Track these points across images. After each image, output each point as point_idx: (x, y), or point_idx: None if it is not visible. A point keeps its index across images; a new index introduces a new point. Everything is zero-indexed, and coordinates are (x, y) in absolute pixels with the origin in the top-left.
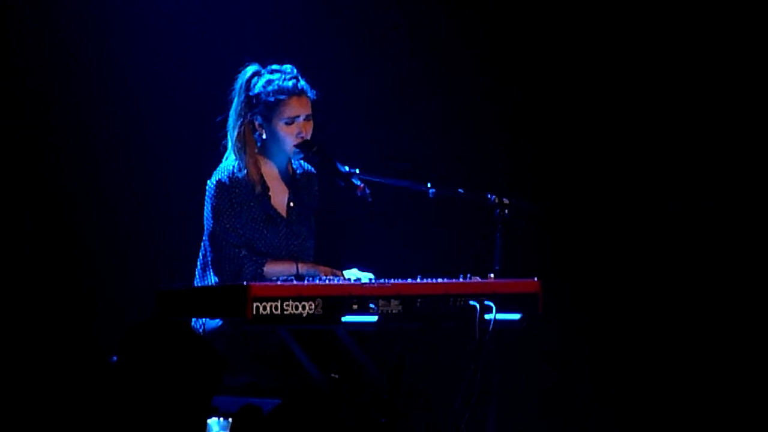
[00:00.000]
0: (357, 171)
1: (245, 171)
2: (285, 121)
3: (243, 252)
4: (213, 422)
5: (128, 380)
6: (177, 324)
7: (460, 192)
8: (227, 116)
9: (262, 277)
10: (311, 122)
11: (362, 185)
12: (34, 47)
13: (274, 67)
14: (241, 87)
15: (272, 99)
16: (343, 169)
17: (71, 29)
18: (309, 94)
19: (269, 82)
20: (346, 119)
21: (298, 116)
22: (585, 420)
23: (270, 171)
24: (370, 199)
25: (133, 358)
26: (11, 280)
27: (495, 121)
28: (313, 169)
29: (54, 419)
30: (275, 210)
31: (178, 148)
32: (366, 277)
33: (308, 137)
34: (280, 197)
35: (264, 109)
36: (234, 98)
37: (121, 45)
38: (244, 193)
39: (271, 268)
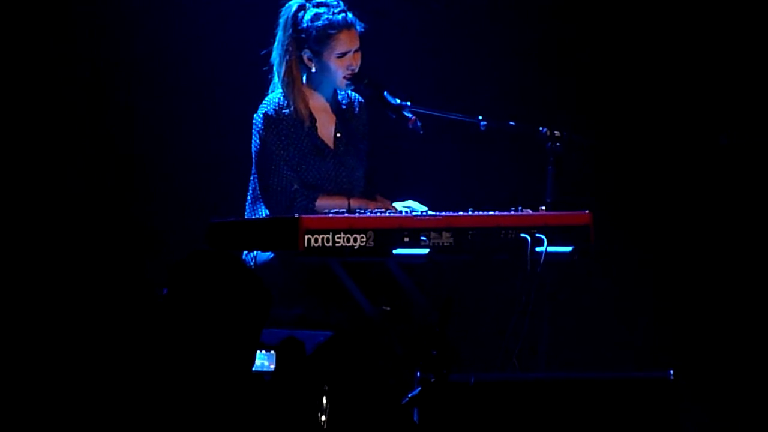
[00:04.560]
0: (408, 103)
1: (293, 106)
2: (337, 54)
3: (295, 186)
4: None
5: (177, 312)
6: (226, 256)
7: (511, 124)
8: (271, 51)
9: (313, 211)
10: (359, 54)
11: (413, 117)
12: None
13: (320, 0)
14: (287, 21)
15: (323, 33)
16: (394, 102)
17: None
18: (357, 27)
19: (317, 15)
20: (397, 51)
21: (349, 49)
22: (637, 352)
23: (317, 103)
24: (421, 132)
25: (183, 289)
26: (64, 214)
27: (548, 53)
28: (361, 99)
29: (105, 352)
30: (322, 141)
31: (226, 82)
32: (420, 209)
33: (357, 70)
34: (327, 129)
35: (314, 43)
36: (279, 33)
37: None
38: (292, 125)
39: (323, 203)
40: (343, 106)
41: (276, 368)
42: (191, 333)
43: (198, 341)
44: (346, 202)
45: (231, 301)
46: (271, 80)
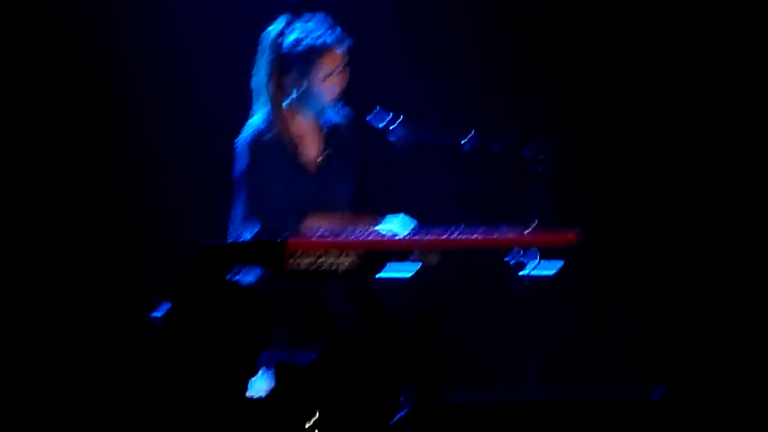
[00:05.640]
0: (395, 123)
1: (276, 128)
2: (322, 74)
3: (280, 208)
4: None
5: (179, 334)
6: (228, 280)
7: (498, 145)
8: (255, 73)
9: (299, 233)
10: (347, 72)
11: (400, 137)
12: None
13: (305, 18)
14: (271, 43)
15: (307, 55)
16: (380, 121)
17: None
18: (344, 45)
19: (298, 40)
20: (384, 70)
21: (332, 71)
22: (625, 368)
23: (301, 125)
24: (408, 151)
25: (185, 312)
26: (56, 241)
27: (533, 73)
28: (346, 121)
29: (99, 376)
30: (306, 164)
31: (211, 107)
32: (408, 224)
33: (342, 89)
34: (310, 151)
35: (296, 67)
36: (260, 57)
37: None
38: (275, 149)
39: (309, 224)
40: (327, 129)
41: (271, 391)
42: (193, 354)
43: (199, 362)
44: (333, 223)
45: (232, 324)
46: (253, 105)
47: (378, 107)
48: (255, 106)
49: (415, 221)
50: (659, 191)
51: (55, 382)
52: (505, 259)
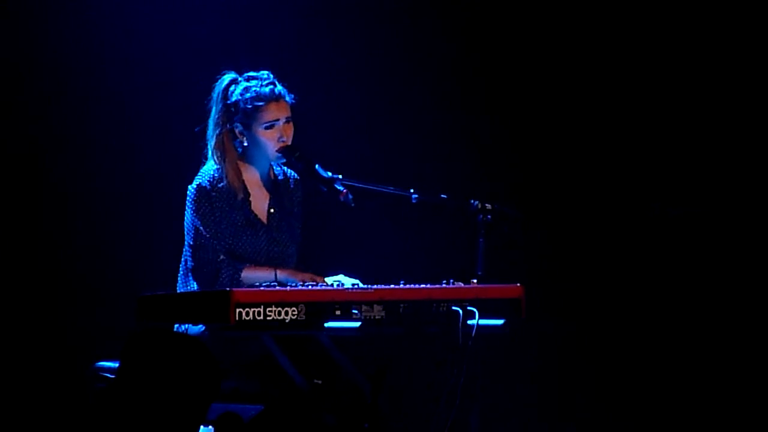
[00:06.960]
0: (340, 176)
1: (226, 179)
2: (265, 126)
3: (221, 257)
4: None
5: (129, 388)
6: (178, 333)
7: (442, 197)
8: (206, 126)
9: (239, 283)
10: (291, 125)
11: (345, 191)
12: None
13: (251, 74)
14: (218, 96)
15: (251, 106)
16: (325, 175)
17: (51, 43)
18: (287, 98)
19: (246, 89)
20: (329, 125)
21: (278, 120)
22: (567, 425)
23: (251, 177)
24: (352, 205)
25: (135, 366)
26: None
27: (477, 125)
28: (296, 175)
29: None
30: (255, 216)
31: (160, 154)
32: (350, 283)
33: (289, 141)
34: (260, 203)
35: (243, 116)
36: (212, 107)
37: (102, 52)
38: (225, 198)
39: (249, 274)
40: (279, 182)
41: None
42: (142, 408)
43: (149, 416)
44: (273, 273)
45: (182, 377)
46: (206, 155)
47: (318, 166)
48: (209, 155)
49: (356, 280)
50: (603, 247)
51: None
52: (453, 308)
